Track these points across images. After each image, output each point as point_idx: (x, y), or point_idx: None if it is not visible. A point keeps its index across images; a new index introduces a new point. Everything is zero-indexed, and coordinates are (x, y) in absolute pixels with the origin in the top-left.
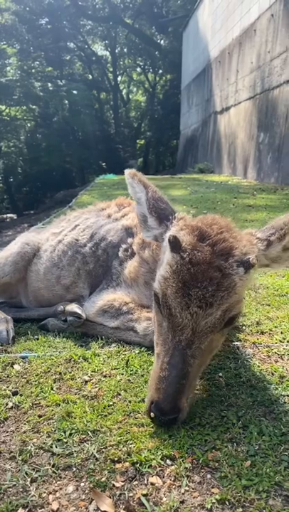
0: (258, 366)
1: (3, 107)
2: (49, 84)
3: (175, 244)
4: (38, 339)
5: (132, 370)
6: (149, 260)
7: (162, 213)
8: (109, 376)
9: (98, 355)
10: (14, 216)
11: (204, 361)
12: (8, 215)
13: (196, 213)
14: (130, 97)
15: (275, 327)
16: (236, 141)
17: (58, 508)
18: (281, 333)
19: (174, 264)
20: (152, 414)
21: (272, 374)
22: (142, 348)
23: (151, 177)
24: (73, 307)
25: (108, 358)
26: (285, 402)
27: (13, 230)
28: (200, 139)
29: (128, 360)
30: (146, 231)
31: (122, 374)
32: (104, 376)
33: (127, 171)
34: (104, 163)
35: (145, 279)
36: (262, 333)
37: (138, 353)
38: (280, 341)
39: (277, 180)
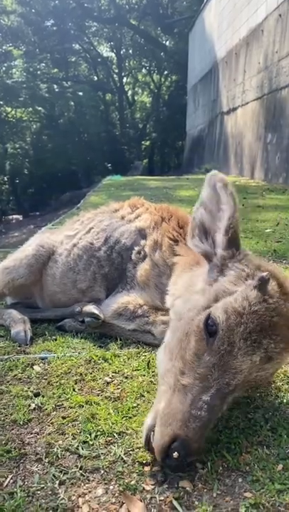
0: (282, 367)
1: (9, 109)
2: (55, 86)
3: (265, 286)
4: (56, 340)
5: (154, 372)
6: (160, 263)
7: (236, 239)
8: (131, 377)
9: (118, 356)
10: (20, 217)
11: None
12: (14, 216)
13: None
14: (135, 98)
15: None
16: (243, 142)
17: (89, 511)
18: None
19: (257, 304)
20: (176, 454)
21: None
22: None
23: (158, 177)
24: (91, 308)
25: (128, 359)
26: None
27: (19, 231)
28: (206, 139)
29: (149, 362)
30: (198, 240)
31: (144, 375)
32: (126, 377)
33: (215, 174)
34: (109, 165)
35: (156, 283)
36: None
37: None
38: None
39: (285, 181)
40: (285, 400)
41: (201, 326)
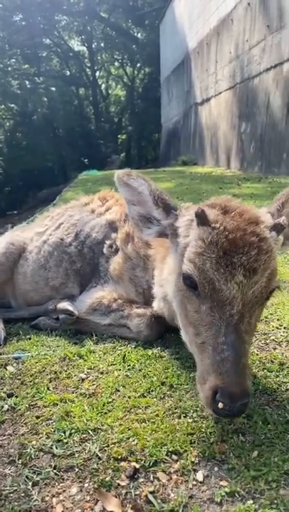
0: (257, 354)
1: None
2: (27, 82)
3: (204, 217)
4: (30, 339)
5: (130, 366)
6: (132, 256)
7: (168, 204)
8: (107, 373)
9: (94, 352)
10: None
11: (251, 339)
12: None
13: None
14: (109, 91)
15: (271, 314)
16: (218, 132)
17: (63, 511)
18: (277, 319)
19: (208, 235)
20: (221, 405)
21: (272, 361)
22: (139, 342)
23: (135, 171)
24: (64, 304)
25: (104, 354)
26: (287, 389)
27: None
28: (182, 131)
29: (125, 356)
30: (146, 229)
31: (120, 370)
32: (101, 373)
33: (118, 172)
34: (86, 160)
35: (130, 276)
36: None
37: (134, 347)
38: (277, 328)
39: (260, 170)
40: (260, 387)
41: (182, 287)
